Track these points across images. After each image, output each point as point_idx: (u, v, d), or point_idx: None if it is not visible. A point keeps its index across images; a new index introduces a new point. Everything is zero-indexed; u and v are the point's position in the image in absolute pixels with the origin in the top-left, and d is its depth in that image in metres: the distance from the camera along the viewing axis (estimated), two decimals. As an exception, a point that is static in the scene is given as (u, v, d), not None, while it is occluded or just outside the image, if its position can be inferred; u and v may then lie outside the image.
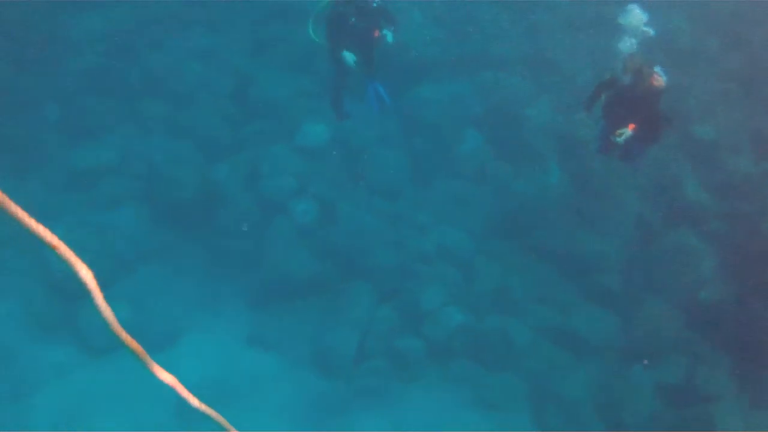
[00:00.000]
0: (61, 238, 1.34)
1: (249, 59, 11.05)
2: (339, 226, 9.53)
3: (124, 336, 1.52)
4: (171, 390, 1.76)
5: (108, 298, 1.48)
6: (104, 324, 1.47)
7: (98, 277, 1.44)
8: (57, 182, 9.84)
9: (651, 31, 8.23)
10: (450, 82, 10.82)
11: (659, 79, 8.74)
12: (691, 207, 9.73)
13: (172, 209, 9.57)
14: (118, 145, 10.20)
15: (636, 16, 8.30)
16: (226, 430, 1.96)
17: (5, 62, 10.58)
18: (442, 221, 9.69)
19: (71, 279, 1.39)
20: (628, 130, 8.15)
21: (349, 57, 8.65)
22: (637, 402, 8.60)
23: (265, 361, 8.87)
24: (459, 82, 10.83)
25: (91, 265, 1.43)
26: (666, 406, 8.67)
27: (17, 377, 8.16)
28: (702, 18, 11.39)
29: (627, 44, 8.21)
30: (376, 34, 9.00)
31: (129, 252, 9.28)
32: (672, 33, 10.86)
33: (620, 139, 8.20)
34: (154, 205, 9.70)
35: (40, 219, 1.29)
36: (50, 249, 1.29)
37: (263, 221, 9.57)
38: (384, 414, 8.38)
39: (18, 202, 1.26)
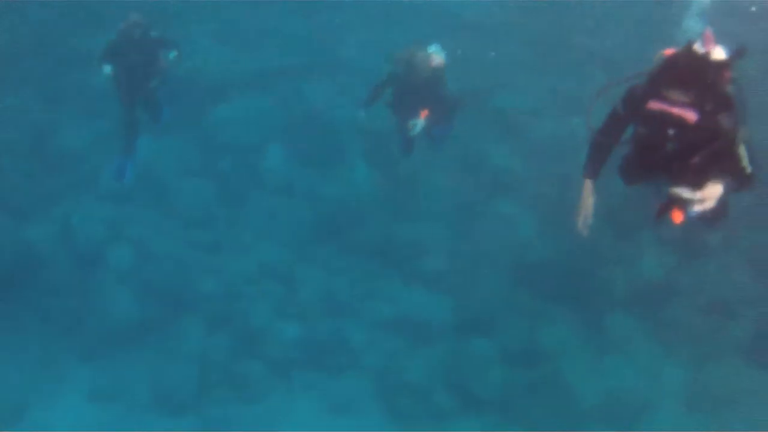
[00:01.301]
0: None
1: (43, 111, 10.83)
2: (158, 264, 9.47)
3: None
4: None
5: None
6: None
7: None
8: None
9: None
10: (248, 98, 10.84)
11: (437, 58, 8.93)
12: (503, 175, 9.99)
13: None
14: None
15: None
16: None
17: None
18: (261, 239, 9.77)
19: None
20: (421, 120, 8.29)
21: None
22: (485, 373, 8.80)
23: (110, 414, 8.74)
24: (257, 97, 10.87)
25: None
26: (515, 371, 8.87)
27: None
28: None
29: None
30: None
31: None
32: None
33: (414, 132, 8.33)
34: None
35: None
36: None
37: (82, 273, 9.41)
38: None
39: None
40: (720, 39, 5.16)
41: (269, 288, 9.37)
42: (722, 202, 5.24)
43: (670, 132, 4.79)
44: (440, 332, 9.05)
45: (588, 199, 5.60)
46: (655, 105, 4.76)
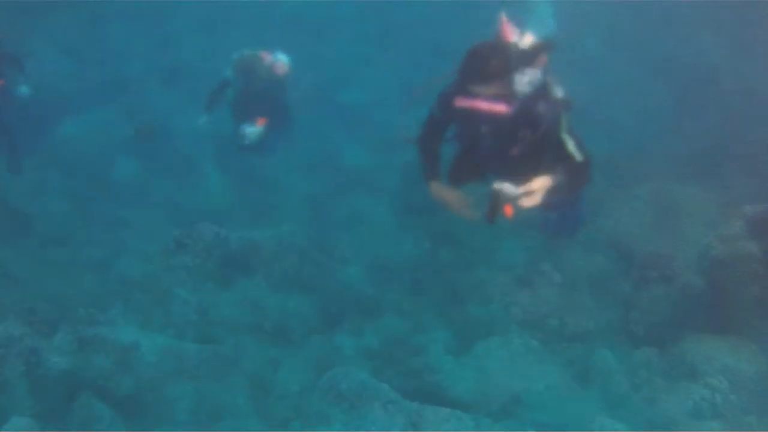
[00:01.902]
0: None
1: None
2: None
3: None
4: None
5: None
6: None
7: None
8: None
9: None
10: (93, 112, 10.71)
11: (282, 66, 8.91)
12: (355, 171, 10.05)
13: None
14: None
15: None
16: None
17: None
18: (120, 253, 9.54)
19: None
20: (258, 127, 8.21)
21: None
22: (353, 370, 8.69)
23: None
24: (102, 110, 10.75)
25: None
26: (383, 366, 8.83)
27: None
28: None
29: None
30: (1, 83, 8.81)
31: None
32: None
33: (250, 140, 8.26)
34: None
35: None
36: None
37: None
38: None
39: None
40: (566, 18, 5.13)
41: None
42: (573, 198, 5.21)
43: (484, 128, 4.71)
44: (306, 335, 8.96)
45: (447, 195, 5.55)
46: (462, 102, 4.68)
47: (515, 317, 8.55)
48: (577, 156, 4.87)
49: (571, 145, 4.88)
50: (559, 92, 5.08)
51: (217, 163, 10.19)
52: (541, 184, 4.69)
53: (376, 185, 10.18)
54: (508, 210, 4.87)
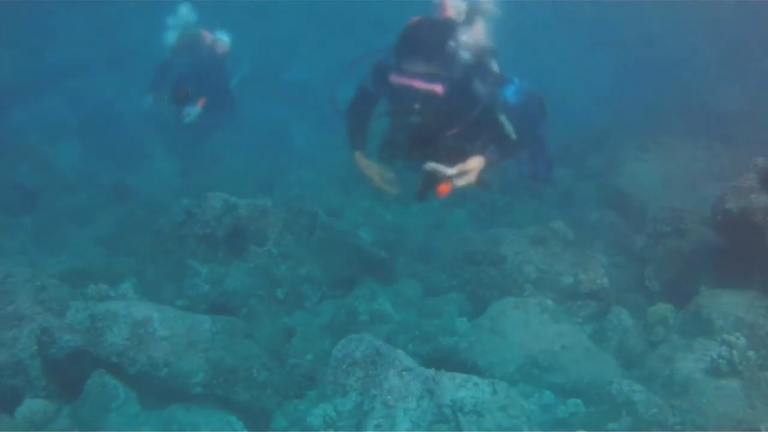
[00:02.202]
0: None
1: None
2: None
3: None
4: None
5: None
6: None
7: None
8: None
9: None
10: (37, 100, 10.69)
11: (223, 45, 8.90)
12: (302, 148, 10.07)
13: None
14: None
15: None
16: None
17: None
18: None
19: None
20: (198, 108, 8.23)
21: None
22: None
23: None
24: (45, 99, 10.73)
25: None
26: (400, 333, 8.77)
27: None
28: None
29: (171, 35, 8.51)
30: None
31: None
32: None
33: (189, 119, 8.28)
34: None
35: None
36: None
37: None
38: None
39: None
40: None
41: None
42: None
43: (417, 106, 4.59)
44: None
45: (368, 168, 5.48)
46: (397, 79, 4.57)
47: (528, 276, 8.47)
48: (512, 136, 4.84)
49: (508, 125, 4.84)
50: (495, 66, 5.00)
51: (165, 145, 10.20)
52: (475, 164, 4.64)
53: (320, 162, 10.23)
54: (443, 188, 4.79)
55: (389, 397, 6.02)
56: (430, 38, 4.50)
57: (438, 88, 4.45)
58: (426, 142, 4.85)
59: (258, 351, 7.21)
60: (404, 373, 6.20)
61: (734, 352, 6.16)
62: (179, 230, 8.86)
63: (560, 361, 7.02)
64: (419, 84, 4.44)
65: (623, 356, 7.54)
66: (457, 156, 4.68)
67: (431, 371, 6.23)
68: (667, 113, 12.24)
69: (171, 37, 8.60)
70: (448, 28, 4.66)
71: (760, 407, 5.78)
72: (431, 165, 4.62)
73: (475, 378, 6.11)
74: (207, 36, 8.81)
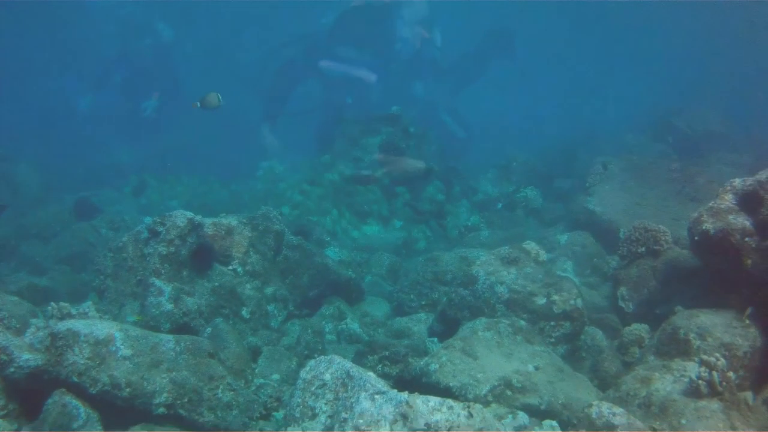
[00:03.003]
0: None
1: None
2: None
3: None
4: None
5: None
6: None
7: None
8: None
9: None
10: None
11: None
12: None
13: None
14: None
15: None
16: None
17: None
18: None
19: None
20: (154, 100, 8.27)
21: None
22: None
23: None
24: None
25: None
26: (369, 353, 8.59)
27: None
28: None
29: None
30: None
31: None
32: None
33: (147, 113, 8.34)
34: None
35: None
36: None
37: None
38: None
39: None
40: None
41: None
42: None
43: (349, 99, 4.42)
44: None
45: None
46: (328, 64, 4.38)
47: (501, 297, 8.32)
48: (460, 134, 4.71)
49: (452, 125, 4.70)
50: (436, 52, 4.86)
51: (120, 140, 10.27)
52: (413, 164, 4.52)
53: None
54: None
55: (360, 421, 5.77)
56: (368, 24, 4.34)
57: (369, 77, 4.31)
58: None
59: (223, 371, 6.96)
60: (376, 396, 5.96)
61: (714, 372, 6.03)
62: (143, 248, 8.60)
63: (534, 381, 6.84)
64: (352, 71, 4.30)
65: (598, 377, 7.40)
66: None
67: (404, 394, 6.00)
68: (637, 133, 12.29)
69: None
70: (391, 11, 4.49)
71: (741, 428, 5.65)
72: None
73: (449, 401, 5.88)
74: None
